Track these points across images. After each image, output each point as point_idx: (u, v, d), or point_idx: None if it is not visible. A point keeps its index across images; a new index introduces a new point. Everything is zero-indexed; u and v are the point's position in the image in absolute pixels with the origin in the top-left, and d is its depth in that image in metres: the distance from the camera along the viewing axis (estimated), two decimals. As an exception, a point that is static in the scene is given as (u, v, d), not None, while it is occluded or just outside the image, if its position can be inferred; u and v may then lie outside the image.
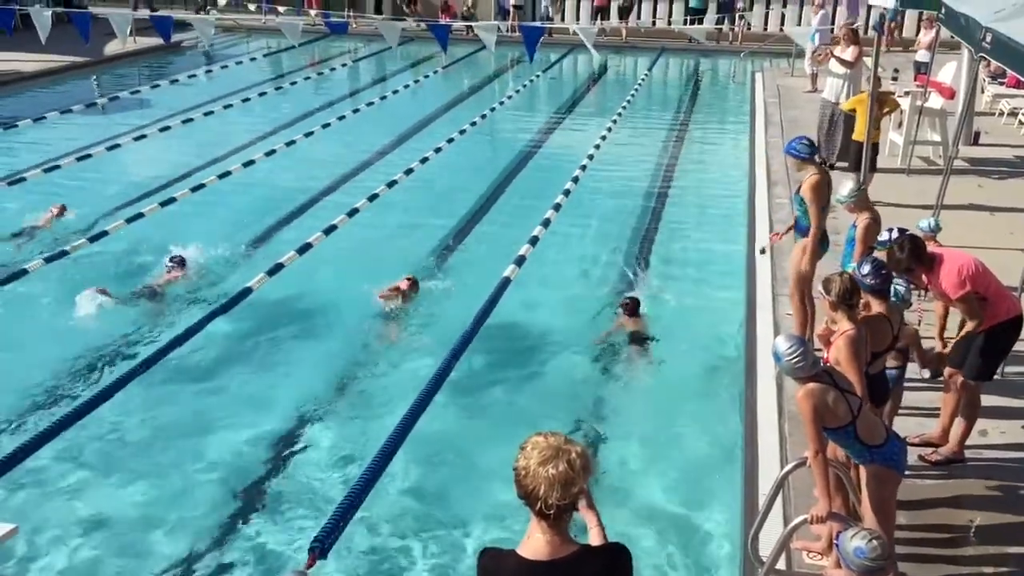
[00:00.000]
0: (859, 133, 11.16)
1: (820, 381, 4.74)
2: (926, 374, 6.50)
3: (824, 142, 13.14)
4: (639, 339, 8.69)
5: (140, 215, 11.03)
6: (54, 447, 6.64)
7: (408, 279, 9.47)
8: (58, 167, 12.91)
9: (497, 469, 5.88)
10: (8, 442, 6.82)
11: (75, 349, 8.40)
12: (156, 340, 8.39)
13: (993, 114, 16.46)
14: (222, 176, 12.71)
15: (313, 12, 27.83)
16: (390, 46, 15.42)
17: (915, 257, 6.04)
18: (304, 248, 9.94)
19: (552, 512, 2.98)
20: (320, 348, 8.62)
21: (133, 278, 9.75)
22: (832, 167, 11.89)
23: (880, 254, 6.33)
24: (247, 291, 8.83)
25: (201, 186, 12.21)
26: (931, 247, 6.91)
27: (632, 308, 9.04)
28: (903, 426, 6.22)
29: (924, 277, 6.20)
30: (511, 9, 27.04)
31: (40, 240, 10.79)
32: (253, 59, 24.49)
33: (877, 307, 5.62)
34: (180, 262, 9.84)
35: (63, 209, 11.42)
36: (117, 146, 14.29)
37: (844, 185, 7.38)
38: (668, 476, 6.76)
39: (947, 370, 6.32)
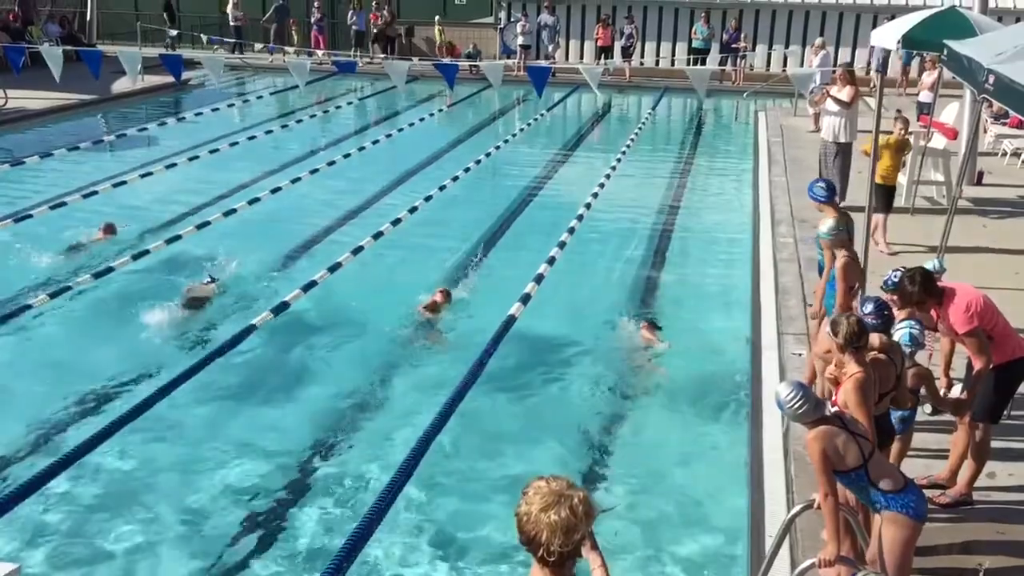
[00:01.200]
0: (880, 175, 11.08)
1: (829, 423, 4.71)
2: (928, 409, 6.45)
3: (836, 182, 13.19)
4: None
5: (146, 251, 11.08)
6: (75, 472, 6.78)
7: (442, 291, 10.19)
8: (64, 203, 12.99)
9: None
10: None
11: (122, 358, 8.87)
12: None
13: (996, 154, 16.52)
14: (227, 214, 12.76)
15: (321, 52, 28.14)
16: (397, 85, 15.53)
17: (926, 290, 6.04)
18: (309, 286, 9.95)
19: (554, 559, 2.95)
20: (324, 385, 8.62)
21: (138, 312, 9.77)
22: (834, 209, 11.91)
23: (884, 295, 6.35)
24: (251, 328, 8.83)
25: (206, 223, 12.26)
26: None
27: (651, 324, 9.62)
28: (910, 467, 6.18)
29: (934, 312, 6.19)
30: (518, 49, 27.29)
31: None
32: (260, 97, 24.71)
33: (880, 348, 5.61)
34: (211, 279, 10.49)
35: (110, 229, 12.10)
36: (123, 183, 14.36)
37: (825, 222, 7.53)
38: (672, 519, 6.69)
39: (956, 397, 6.29)
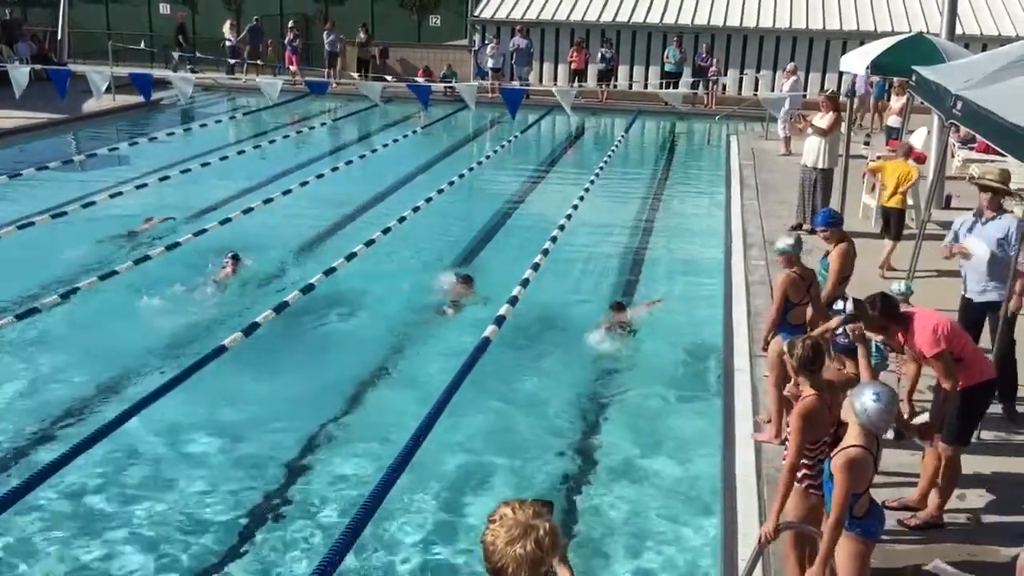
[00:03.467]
0: (891, 200, 11.67)
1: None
2: (891, 435, 6.47)
3: (804, 207, 13.31)
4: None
5: (114, 272, 10.94)
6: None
7: (462, 279, 11.17)
8: (32, 224, 12.82)
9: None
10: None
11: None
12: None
13: (963, 179, 16.68)
14: (198, 234, 12.65)
15: (292, 69, 28.13)
16: (372, 105, 15.51)
17: (888, 315, 6.08)
18: (281, 307, 9.87)
19: None
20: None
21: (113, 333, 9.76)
22: (812, 232, 12.02)
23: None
24: (222, 348, 8.73)
25: (176, 244, 12.15)
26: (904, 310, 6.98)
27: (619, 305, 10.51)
28: (881, 490, 6.19)
29: (900, 336, 6.22)
30: (489, 72, 27.40)
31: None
32: (232, 117, 24.58)
33: (850, 367, 5.64)
34: (235, 258, 11.46)
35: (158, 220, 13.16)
36: (92, 203, 14.21)
37: (782, 239, 7.77)
38: (644, 542, 6.65)
39: (922, 424, 6.32)
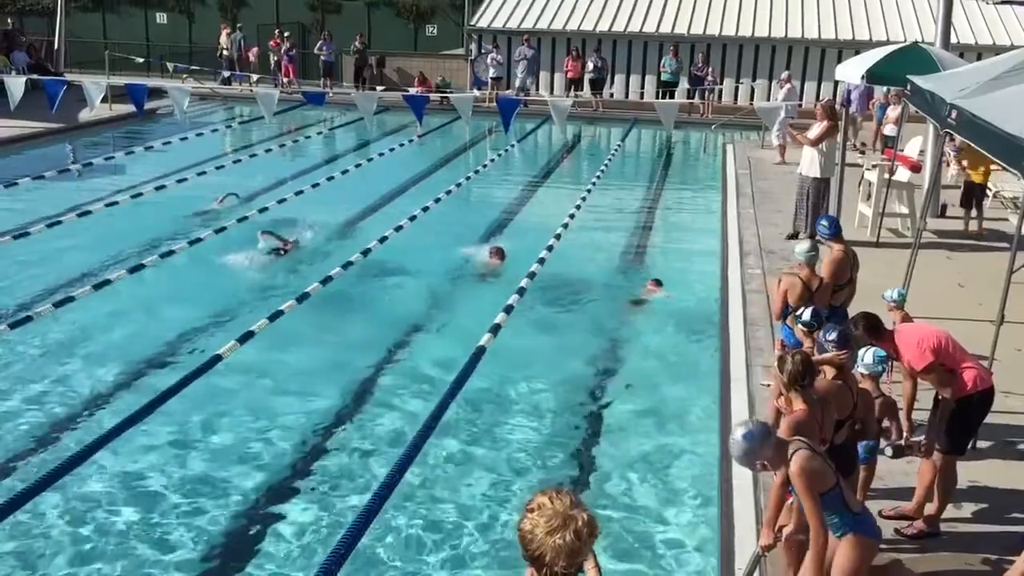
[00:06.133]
0: (975, 175, 13.61)
1: (801, 447, 4.72)
2: (889, 452, 6.44)
3: (801, 214, 13.31)
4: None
5: (107, 282, 10.91)
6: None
7: (495, 250, 12.24)
8: (27, 233, 12.82)
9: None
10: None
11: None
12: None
13: (959, 187, 16.73)
14: (192, 243, 12.64)
15: (288, 80, 28.17)
16: (364, 117, 15.54)
17: (870, 333, 6.08)
18: (275, 315, 9.85)
19: None
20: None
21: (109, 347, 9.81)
22: (811, 238, 12.04)
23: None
24: (218, 356, 8.71)
25: (171, 252, 12.14)
26: (898, 317, 6.97)
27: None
28: (877, 500, 6.18)
29: (893, 351, 6.23)
30: (489, 81, 27.41)
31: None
32: (229, 126, 24.58)
33: (837, 374, 5.63)
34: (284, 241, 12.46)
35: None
36: (88, 212, 14.20)
37: (799, 244, 8.02)
38: (642, 552, 6.63)
39: (921, 440, 6.30)
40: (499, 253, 12.16)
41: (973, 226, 13.83)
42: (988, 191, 14.38)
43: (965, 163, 14.05)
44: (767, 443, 4.57)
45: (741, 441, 4.57)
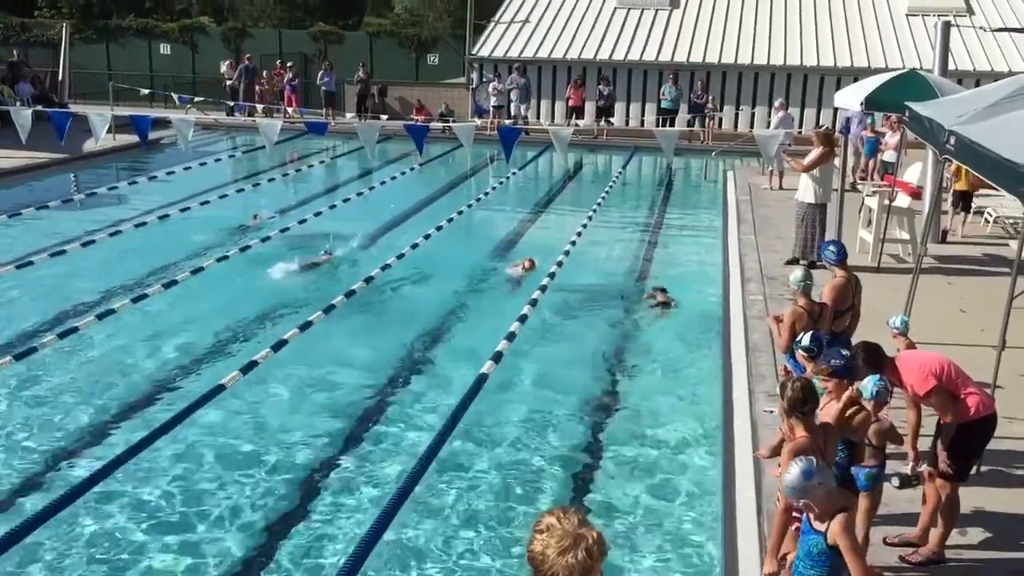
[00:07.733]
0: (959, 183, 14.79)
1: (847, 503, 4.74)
2: (896, 483, 6.41)
3: (800, 240, 13.35)
4: None
5: (111, 311, 10.95)
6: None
7: (529, 260, 13.66)
8: (31, 263, 12.88)
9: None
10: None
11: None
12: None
13: (959, 213, 16.78)
14: (195, 272, 12.68)
15: (291, 109, 28.33)
16: (367, 148, 15.65)
17: (871, 364, 6.08)
18: (279, 345, 9.88)
19: None
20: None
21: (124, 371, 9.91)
22: (813, 265, 12.07)
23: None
24: (221, 387, 8.73)
25: (174, 282, 12.18)
26: (903, 344, 6.97)
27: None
28: (882, 527, 6.16)
29: (896, 379, 6.22)
30: (491, 109, 27.58)
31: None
32: (232, 156, 24.72)
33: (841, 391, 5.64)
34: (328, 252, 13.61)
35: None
36: (92, 242, 14.26)
37: (794, 273, 8.05)
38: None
39: (926, 469, 6.28)
40: (531, 263, 13.65)
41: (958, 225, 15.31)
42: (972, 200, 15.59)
43: (951, 170, 14.57)
44: (821, 489, 4.53)
45: (800, 476, 4.50)
